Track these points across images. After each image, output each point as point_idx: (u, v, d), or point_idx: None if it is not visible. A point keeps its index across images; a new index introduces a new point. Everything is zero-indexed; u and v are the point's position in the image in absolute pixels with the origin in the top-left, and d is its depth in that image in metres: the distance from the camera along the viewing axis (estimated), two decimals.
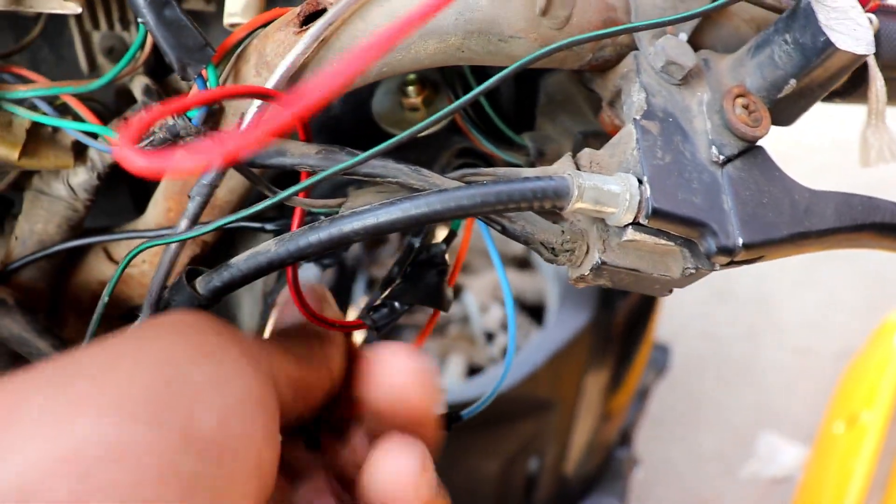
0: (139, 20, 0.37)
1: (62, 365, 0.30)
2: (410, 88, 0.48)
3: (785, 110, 0.43)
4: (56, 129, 0.47)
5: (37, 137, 0.46)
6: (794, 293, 2.97)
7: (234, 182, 0.42)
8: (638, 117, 0.38)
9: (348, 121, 0.49)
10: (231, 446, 0.31)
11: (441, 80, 0.48)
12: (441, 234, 0.45)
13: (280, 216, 0.45)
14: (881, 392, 1.92)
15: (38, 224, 0.49)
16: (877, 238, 0.46)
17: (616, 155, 0.38)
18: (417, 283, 0.42)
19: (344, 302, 1.82)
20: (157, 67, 0.52)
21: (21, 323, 0.47)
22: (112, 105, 0.52)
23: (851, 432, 1.98)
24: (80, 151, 0.48)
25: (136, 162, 0.23)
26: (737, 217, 0.37)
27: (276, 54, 0.37)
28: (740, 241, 0.37)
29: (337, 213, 0.37)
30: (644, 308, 1.66)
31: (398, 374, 0.38)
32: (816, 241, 0.41)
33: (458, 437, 1.52)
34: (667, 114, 0.39)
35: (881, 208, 0.45)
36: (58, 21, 0.54)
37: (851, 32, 0.40)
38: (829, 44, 0.39)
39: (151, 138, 0.37)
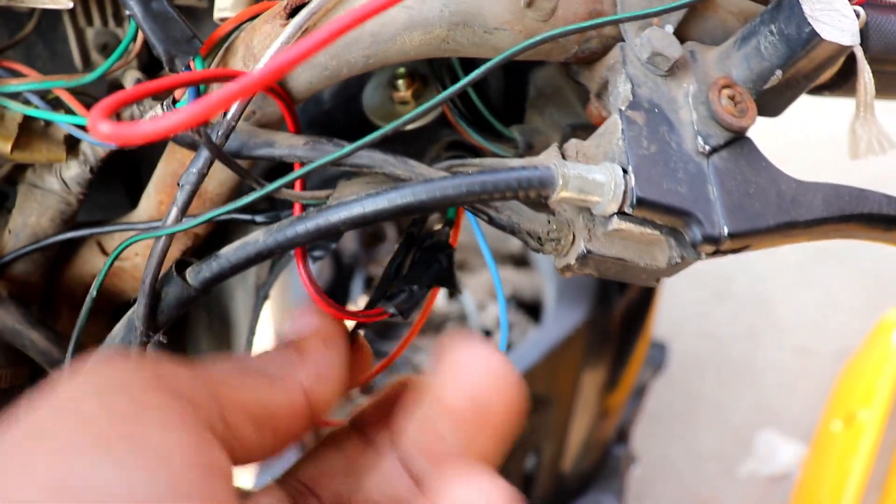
0: (127, 13, 0.37)
1: None
2: (400, 82, 0.48)
3: (771, 101, 0.43)
4: (48, 123, 0.47)
5: (29, 131, 0.47)
6: (793, 293, 2.97)
7: (224, 175, 0.43)
8: (624, 108, 0.38)
9: (339, 115, 0.49)
10: None
11: (430, 73, 0.48)
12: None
13: (271, 209, 0.46)
14: (879, 391, 1.92)
15: (32, 217, 0.50)
16: (865, 229, 0.46)
17: (602, 145, 0.38)
18: (430, 267, 0.42)
19: (342, 300, 1.83)
20: (150, 62, 0.52)
21: (15, 315, 0.47)
22: None
23: (849, 431, 1.99)
24: (72, 145, 0.48)
25: (102, 129, 0.23)
26: (722, 206, 0.38)
27: (262, 46, 0.37)
28: (725, 231, 0.37)
29: (325, 204, 0.37)
30: (641, 305, 1.67)
31: (484, 376, 0.33)
32: (804, 231, 0.42)
33: None
34: (652, 104, 0.39)
35: (870, 199, 0.45)
36: (52, 17, 0.54)
37: (836, 23, 0.40)
38: (813, 34, 0.39)
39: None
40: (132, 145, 0.26)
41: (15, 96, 0.46)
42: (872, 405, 1.91)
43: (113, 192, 0.61)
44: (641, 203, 0.36)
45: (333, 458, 0.40)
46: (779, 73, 0.41)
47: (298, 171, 0.35)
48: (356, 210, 0.33)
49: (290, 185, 0.36)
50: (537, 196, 0.35)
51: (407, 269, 0.42)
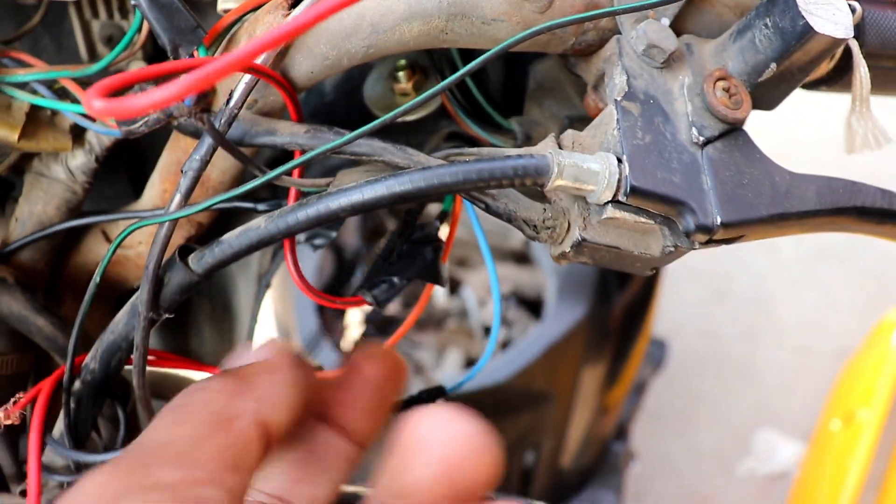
0: (133, 3, 0.38)
1: None
2: (401, 74, 0.49)
3: (767, 94, 0.44)
4: (54, 113, 0.48)
5: (36, 120, 0.47)
6: (793, 293, 2.98)
7: (226, 163, 0.43)
8: (619, 98, 0.39)
9: (341, 107, 0.50)
10: None
11: (431, 66, 0.49)
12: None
13: (273, 197, 0.46)
14: (878, 390, 1.93)
15: (38, 206, 0.50)
16: (858, 222, 0.46)
17: (597, 135, 0.39)
18: (414, 260, 0.43)
19: (343, 295, 1.83)
20: (154, 54, 0.53)
21: (20, 301, 0.48)
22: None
23: (848, 430, 1.99)
24: (78, 135, 0.49)
25: (95, 104, 0.24)
26: (716, 196, 0.38)
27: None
28: (718, 220, 0.38)
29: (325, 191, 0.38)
30: (641, 303, 1.67)
31: (451, 444, 0.32)
32: (796, 222, 0.42)
33: None
34: (648, 96, 0.40)
35: (863, 192, 0.46)
36: (58, 9, 0.55)
37: (830, 17, 0.41)
38: (808, 28, 0.40)
39: (146, 118, 0.38)
40: (127, 119, 0.27)
41: (22, 86, 0.47)
42: (871, 405, 1.91)
43: (117, 183, 0.62)
44: (635, 191, 0.36)
45: (303, 461, 0.41)
46: (773, 65, 0.42)
47: (300, 159, 0.36)
48: (355, 197, 0.34)
49: (291, 173, 0.36)
50: (533, 184, 0.35)
51: (394, 260, 0.43)
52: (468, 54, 0.49)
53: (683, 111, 0.40)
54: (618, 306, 1.58)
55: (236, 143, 0.37)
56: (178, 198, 0.36)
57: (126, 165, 0.61)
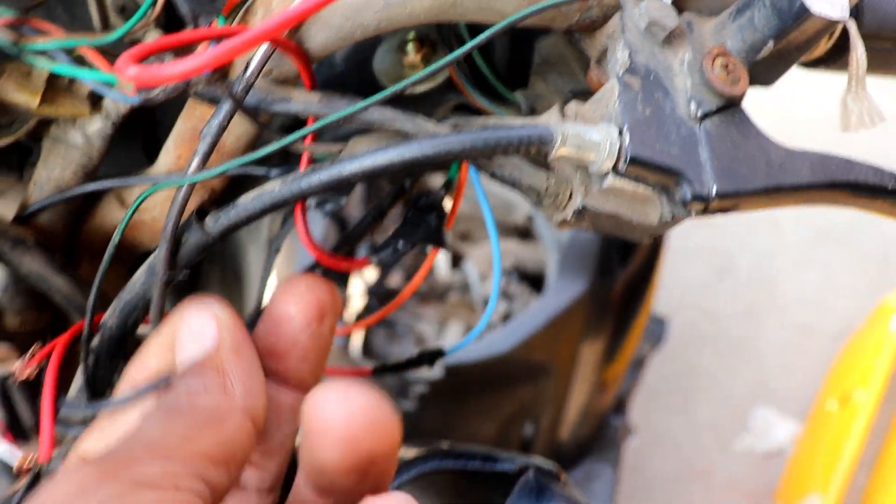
0: None
1: None
2: (410, 47, 0.50)
3: (764, 71, 0.45)
4: (72, 80, 0.50)
5: (55, 87, 0.49)
6: (795, 273, 2.99)
7: (241, 130, 0.45)
8: (621, 73, 0.40)
9: (351, 78, 0.51)
10: None
11: (439, 39, 0.50)
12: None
13: (284, 164, 0.48)
14: (875, 372, 1.95)
15: (55, 170, 0.52)
16: (851, 197, 0.48)
17: (599, 108, 0.40)
18: (419, 226, 0.44)
19: (346, 272, 1.85)
20: (168, 25, 0.54)
21: (40, 261, 0.49)
22: None
23: (844, 410, 2.02)
24: (95, 101, 0.50)
25: (130, 72, 0.25)
26: (712, 168, 0.40)
27: (281, 6, 0.39)
28: (714, 190, 0.39)
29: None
30: (642, 279, 1.69)
31: (342, 418, 0.33)
32: (790, 195, 0.44)
33: (458, 398, 1.55)
34: (648, 71, 0.41)
35: (856, 168, 0.48)
36: None
37: None
38: (804, 8, 0.41)
39: (165, 86, 0.40)
40: (157, 86, 0.28)
41: (41, 53, 0.48)
42: (868, 386, 1.93)
43: (130, 150, 0.63)
44: (635, 161, 0.38)
45: None
46: (771, 44, 0.43)
47: (314, 125, 0.37)
48: (367, 162, 0.35)
49: (304, 140, 0.38)
50: (537, 153, 0.37)
51: (399, 226, 0.45)
52: (475, 29, 0.50)
53: (683, 86, 0.42)
54: (619, 282, 1.60)
55: (252, 109, 0.39)
56: (196, 161, 0.38)
57: (139, 133, 0.63)
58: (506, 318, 1.82)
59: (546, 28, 0.45)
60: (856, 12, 0.51)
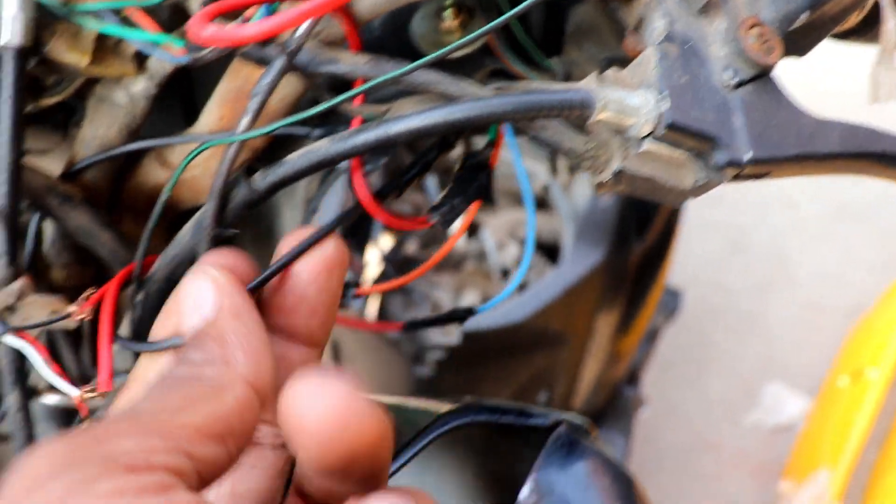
0: None
1: None
2: (447, 13, 0.51)
3: (797, 42, 0.46)
4: (119, 40, 0.51)
5: (102, 47, 0.50)
6: (810, 248, 2.99)
7: (285, 91, 0.46)
8: (659, 41, 0.41)
9: (389, 42, 0.52)
10: None
11: (476, 5, 0.51)
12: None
13: (323, 125, 0.49)
14: (888, 350, 1.96)
15: (101, 129, 0.54)
16: (879, 166, 0.49)
17: (637, 74, 0.41)
18: (471, 184, 0.46)
19: (363, 235, 1.87)
20: None
21: (87, 217, 0.51)
22: (167, 23, 0.56)
23: (855, 387, 2.03)
24: (140, 61, 0.52)
25: (205, 31, 0.27)
26: (746, 135, 0.41)
27: None
28: (748, 156, 0.41)
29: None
30: (658, 251, 1.70)
31: (316, 416, 0.31)
32: (819, 163, 0.45)
33: (474, 365, 1.57)
34: (686, 39, 0.42)
35: (884, 139, 0.49)
36: None
37: None
38: None
39: (217, 47, 0.41)
40: (232, 46, 0.29)
41: (90, 14, 0.50)
42: (880, 364, 1.94)
43: (165, 111, 0.65)
44: (673, 127, 0.39)
45: None
46: (806, 14, 0.44)
47: (364, 85, 0.38)
48: (414, 122, 0.36)
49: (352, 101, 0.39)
50: (578, 116, 0.38)
51: (451, 184, 0.46)
52: None
53: (718, 55, 0.43)
54: (635, 253, 1.61)
55: (302, 69, 0.40)
56: (247, 120, 0.39)
57: (176, 95, 0.64)
58: (521, 287, 1.84)
59: None
60: None
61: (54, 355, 0.53)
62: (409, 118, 0.36)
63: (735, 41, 0.43)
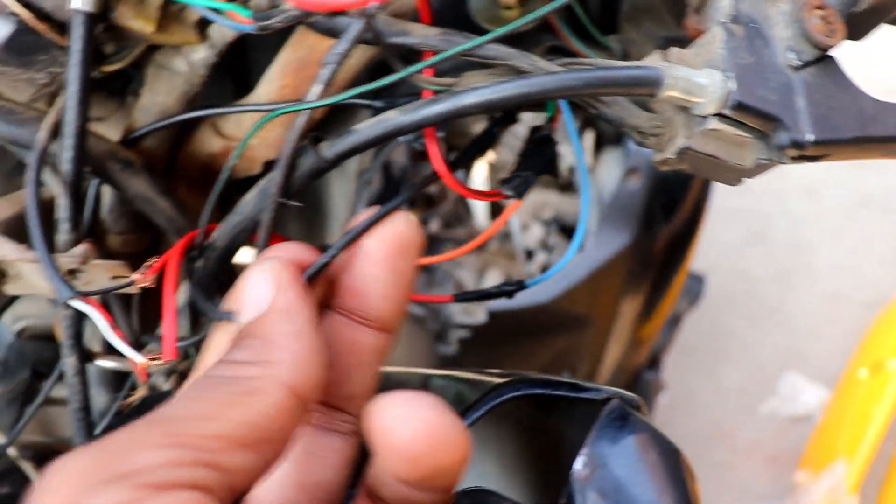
0: None
1: None
2: None
3: (857, 25, 0.47)
4: (183, 8, 0.51)
5: (166, 14, 0.51)
6: (831, 239, 2.98)
7: (350, 62, 0.47)
8: (725, 21, 0.42)
9: (447, 15, 0.53)
10: None
11: None
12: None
13: (380, 97, 0.49)
14: None
15: (160, 96, 0.54)
16: None
17: (702, 54, 0.42)
18: (538, 158, 0.46)
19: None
20: None
21: (147, 184, 0.52)
22: None
23: (875, 379, 2.02)
24: (202, 30, 0.52)
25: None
26: (808, 116, 0.42)
27: None
28: (811, 137, 0.41)
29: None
30: (684, 237, 1.70)
31: (407, 436, 0.32)
32: (878, 146, 0.45)
33: (497, 344, 1.58)
34: (751, 20, 0.43)
35: None
36: None
37: None
38: None
39: (285, 14, 0.42)
40: (333, 11, 0.30)
41: None
42: None
43: (219, 80, 0.65)
44: (739, 107, 0.39)
45: (334, 362, 0.40)
46: None
47: (438, 56, 0.39)
48: (487, 95, 0.37)
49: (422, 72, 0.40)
50: (646, 94, 0.39)
51: (519, 159, 0.46)
52: None
53: (781, 36, 0.43)
54: (661, 238, 1.61)
55: (373, 41, 0.41)
56: (318, 88, 0.40)
57: (229, 64, 0.64)
58: (544, 268, 1.84)
59: None
60: None
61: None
62: (484, 90, 0.37)
63: (799, 22, 0.43)
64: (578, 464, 0.42)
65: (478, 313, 1.48)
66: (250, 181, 0.56)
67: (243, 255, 0.49)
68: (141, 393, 0.48)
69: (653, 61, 0.41)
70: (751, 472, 2.41)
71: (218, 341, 0.39)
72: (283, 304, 0.36)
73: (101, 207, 0.56)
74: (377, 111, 0.50)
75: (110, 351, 0.58)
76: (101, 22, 0.48)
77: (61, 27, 0.47)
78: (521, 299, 1.48)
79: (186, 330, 0.52)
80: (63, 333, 0.51)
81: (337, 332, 0.41)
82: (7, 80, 0.49)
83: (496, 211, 1.99)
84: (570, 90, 0.37)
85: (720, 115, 0.40)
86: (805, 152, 0.41)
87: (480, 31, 0.51)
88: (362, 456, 0.41)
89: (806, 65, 0.43)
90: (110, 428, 0.48)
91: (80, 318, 0.51)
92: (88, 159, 0.50)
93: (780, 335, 2.72)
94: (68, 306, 0.45)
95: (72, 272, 0.49)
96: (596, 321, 1.58)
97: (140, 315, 0.59)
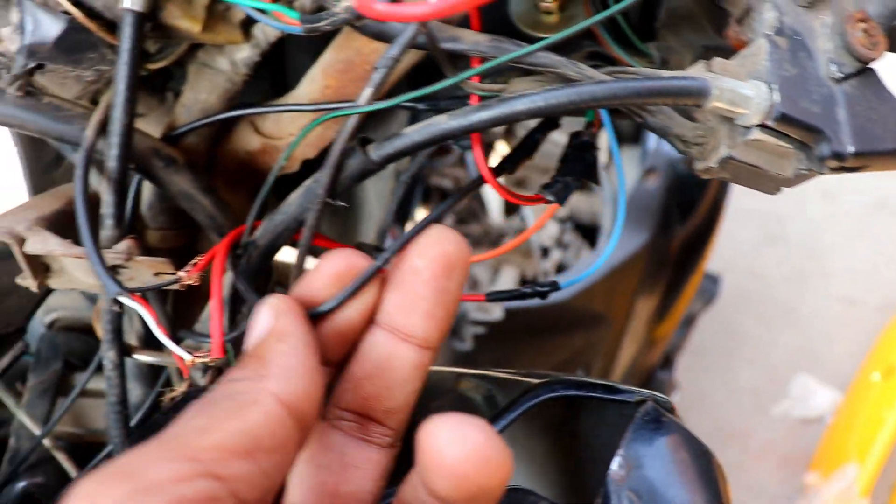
0: None
1: None
2: None
3: None
4: (229, 7, 0.52)
5: (213, 14, 0.52)
6: (846, 242, 2.98)
7: (400, 65, 0.47)
8: (769, 33, 0.42)
9: (487, 20, 0.53)
10: None
11: None
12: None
13: (424, 99, 0.50)
14: None
15: (202, 94, 0.55)
16: None
17: (746, 65, 0.42)
18: (579, 163, 0.47)
19: (403, 210, 1.88)
20: None
21: (188, 180, 0.53)
22: None
23: (888, 383, 2.03)
24: (246, 29, 0.53)
25: (376, 8, 0.28)
26: (849, 128, 0.42)
27: None
28: (851, 149, 0.41)
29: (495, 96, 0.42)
30: (700, 237, 1.71)
31: (456, 457, 0.33)
32: None
33: (513, 342, 1.58)
34: (794, 32, 0.43)
35: None
36: None
37: None
38: None
39: (334, 17, 0.42)
40: (395, 21, 0.30)
41: None
42: None
43: (257, 77, 0.66)
44: (782, 118, 0.40)
45: (372, 376, 0.42)
46: None
47: (489, 63, 0.40)
48: (538, 101, 0.38)
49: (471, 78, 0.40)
50: (693, 104, 0.39)
51: (560, 165, 0.47)
52: None
53: (824, 49, 0.44)
54: (677, 238, 1.61)
55: (423, 46, 0.41)
56: (370, 91, 0.40)
57: (268, 64, 0.65)
58: (559, 267, 1.85)
59: None
60: None
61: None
62: (534, 97, 0.38)
63: (841, 35, 0.44)
64: (615, 465, 0.43)
65: (494, 310, 1.48)
66: (287, 179, 0.57)
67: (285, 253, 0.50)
68: (183, 388, 0.48)
69: (697, 71, 0.42)
70: (762, 472, 2.41)
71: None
72: (278, 328, 0.38)
73: (140, 203, 0.57)
74: (418, 113, 0.51)
75: (147, 345, 0.59)
76: (149, 21, 0.49)
77: (111, 26, 0.48)
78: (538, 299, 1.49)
79: (225, 326, 0.53)
80: (103, 328, 0.52)
81: (380, 348, 0.42)
82: (56, 77, 0.50)
83: (510, 208, 1.99)
84: (619, 99, 0.38)
85: (763, 126, 0.40)
86: (845, 163, 0.42)
87: (520, 35, 0.52)
88: (398, 468, 0.42)
89: (847, 77, 0.44)
90: (156, 423, 0.49)
91: (121, 313, 0.51)
92: (132, 156, 0.51)
93: (794, 337, 2.72)
94: (116, 302, 0.45)
95: (114, 268, 0.49)
96: (611, 320, 1.59)
97: (173, 309, 0.60)
